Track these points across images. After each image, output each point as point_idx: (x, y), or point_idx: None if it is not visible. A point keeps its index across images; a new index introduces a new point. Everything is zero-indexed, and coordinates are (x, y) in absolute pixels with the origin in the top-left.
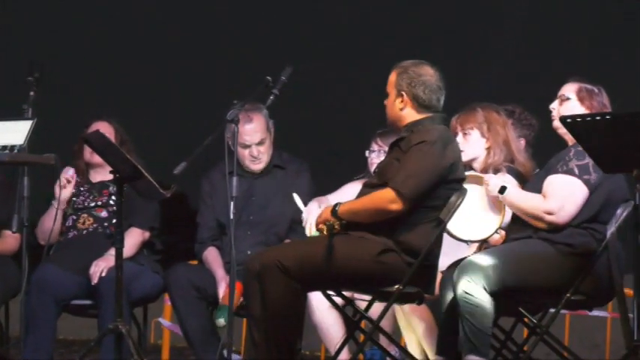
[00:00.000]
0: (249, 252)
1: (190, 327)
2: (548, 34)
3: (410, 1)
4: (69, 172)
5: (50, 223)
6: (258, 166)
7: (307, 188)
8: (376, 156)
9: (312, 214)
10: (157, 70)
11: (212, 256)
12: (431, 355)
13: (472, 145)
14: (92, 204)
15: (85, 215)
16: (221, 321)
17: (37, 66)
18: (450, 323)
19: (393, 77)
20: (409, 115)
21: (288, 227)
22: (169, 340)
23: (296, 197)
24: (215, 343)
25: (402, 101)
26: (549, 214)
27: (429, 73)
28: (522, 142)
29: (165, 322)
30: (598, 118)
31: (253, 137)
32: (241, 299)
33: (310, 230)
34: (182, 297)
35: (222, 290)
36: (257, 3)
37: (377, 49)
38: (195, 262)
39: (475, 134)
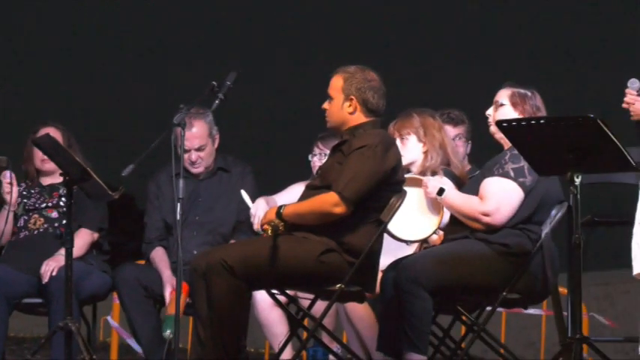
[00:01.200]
0: (195, 252)
1: (138, 324)
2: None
3: (353, 7)
4: (7, 177)
5: (1, 225)
6: (196, 170)
7: (252, 190)
8: (318, 159)
9: (260, 209)
10: (104, 74)
11: (159, 256)
12: (372, 351)
13: (410, 149)
14: (43, 205)
15: (36, 216)
16: (167, 333)
17: None
18: (390, 321)
19: (338, 82)
20: (356, 118)
21: (233, 228)
22: (118, 338)
23: (244, 194)
24: (162, 341)
25: (350, 105)
26: (486, 215)
27: (374, 78)
28: (470, 144)
29: (113, 322)
30: (533, 122)
31: (193, 143)
32: (188, 300)
33: (258, 225)
34: (130, 295)
35: (168, 294)
36: (204, 8)
37: (317, 55)
38: (142, 262)
39: (412, 139)
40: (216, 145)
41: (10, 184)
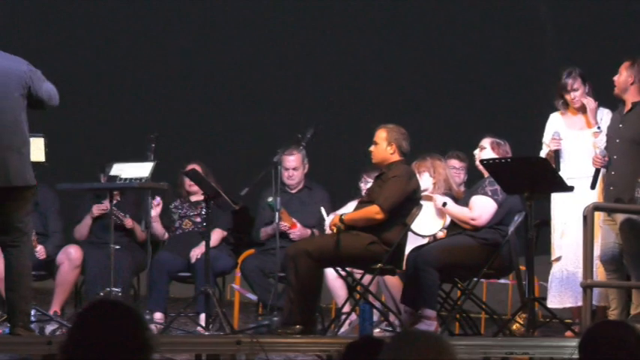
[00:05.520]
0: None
1: (257, 287)
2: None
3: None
4: (156, 200)
5: (161, 230)
6: (291, 182)
7: (327, 206)
8: (364, 185)
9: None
10: (227, 125)
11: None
12: (401, 307)
13: (424, 181)
14: (191, 213)
15: (187, 221)
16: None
17: (156, 130)
18: (411, 285)
19: (383, 133)
20: (393, 157)
21: (314, 221)
22: (239, 298)
23: (322, 210)
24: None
25: (391, 148)
26: (473, 220)
27: (405, 132)
28: (466, 175)
29: (236, 286)
30: (504, 160)
31: (290, 164)
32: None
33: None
34: (252, 276)
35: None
36: (296, 72)
37: (364, 108)
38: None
39: (426, 175)
40: (305, 170)
41: (157, 205)
